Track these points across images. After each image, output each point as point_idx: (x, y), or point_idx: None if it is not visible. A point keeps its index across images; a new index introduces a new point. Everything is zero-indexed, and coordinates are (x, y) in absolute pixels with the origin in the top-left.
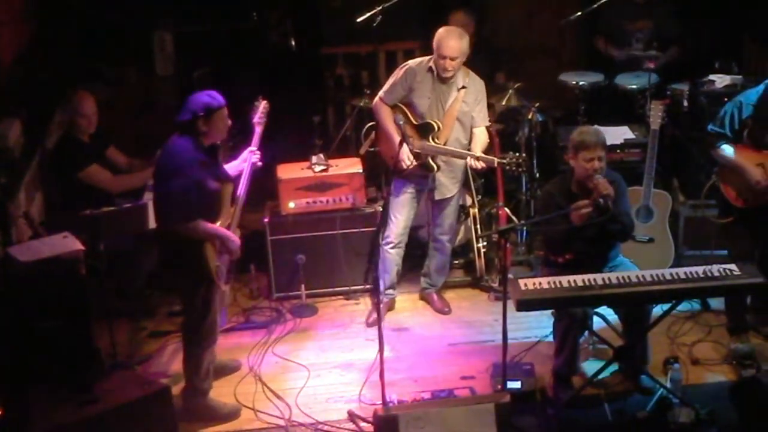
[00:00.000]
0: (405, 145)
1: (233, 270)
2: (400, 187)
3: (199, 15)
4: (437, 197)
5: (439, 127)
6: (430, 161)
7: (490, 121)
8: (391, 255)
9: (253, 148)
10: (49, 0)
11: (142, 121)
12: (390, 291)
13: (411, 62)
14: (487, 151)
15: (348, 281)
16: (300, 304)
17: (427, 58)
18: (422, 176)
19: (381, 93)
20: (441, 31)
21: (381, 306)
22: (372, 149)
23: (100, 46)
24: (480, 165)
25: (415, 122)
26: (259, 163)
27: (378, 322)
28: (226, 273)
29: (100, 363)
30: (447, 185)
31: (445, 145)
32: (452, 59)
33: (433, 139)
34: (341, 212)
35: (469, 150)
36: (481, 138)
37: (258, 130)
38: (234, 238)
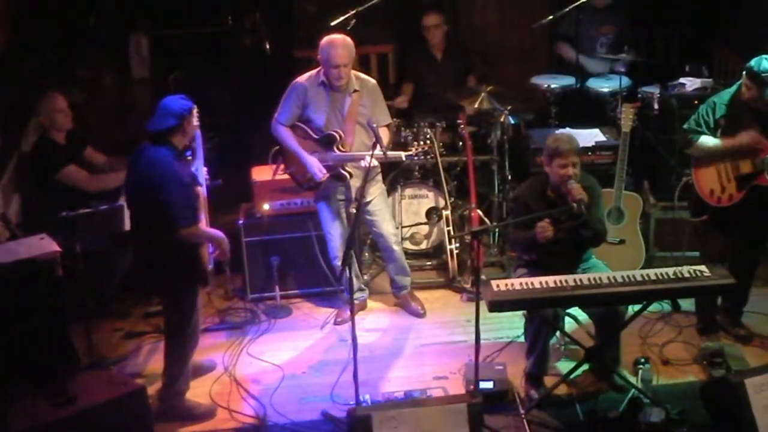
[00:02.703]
0: (313, 156)
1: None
2: (324, 206)
3: (174, 18)
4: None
5: (340, 136)
6: (341, 170)
7: (461, 123)
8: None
9: (200, 163)
10: (25, 3)
11: (118, 123)
12: (359, 294)
13: (299, 79)
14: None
15: (322, 282)
16: (274, 305)
17: (315, 71)
18: (339, 187)
19: (276, 115)
20: (324, 43)
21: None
22: (285, 173)
23: (76, 48)
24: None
25: (315, 136)
26: (216, 182)
27: (351, 323)
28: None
29: (76, 363)
30: (366, 188)
31: (350, 151)
32: (344, 66)
33: (337, 148)
34: (315, 214)
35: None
36: (382, 137)
37: (198, 133)
38: (225, 239)
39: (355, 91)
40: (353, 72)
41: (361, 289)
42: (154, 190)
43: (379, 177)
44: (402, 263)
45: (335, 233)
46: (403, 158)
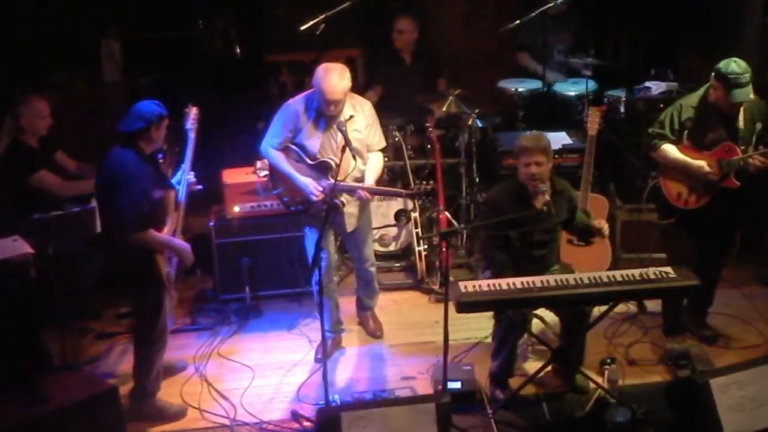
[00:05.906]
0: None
1: (181, 273)
2: (312, 231)
3: (146, 22)
4: (349, 230)
5: (336, 164)
6: (335, 201)
7: (429, 126)
8: (325, 295)
9: (186, 167)
10: None
11: (90, 126)
12: (331, 331)
13: (291, 101)
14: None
15: (291, 283)
16: (245, 306)
17: (309, 93)
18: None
19: (266, 138)
20: (320, 72)
21: (330, 342)
22: (273, 194)
23: (48, 52)
24: (367, 195)
25: (310, 162)
26: (198, 187)
27: (321, 324)
28: (175, 277)
29: (49, 364)
30: (355, 215)
31: (346, 178)
32: (335, 103)
33: (332, 177)
34: (285, 216)
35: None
36: (374, 165)
37: (192, 136)
38: (187, 247)
39: (351, 117)
40: (349, 94)
41: (337, 323)
42: (111, 191)
43: (368, 204)
44: (373, 285)
45: (322, 257)
46: (404, 196)
